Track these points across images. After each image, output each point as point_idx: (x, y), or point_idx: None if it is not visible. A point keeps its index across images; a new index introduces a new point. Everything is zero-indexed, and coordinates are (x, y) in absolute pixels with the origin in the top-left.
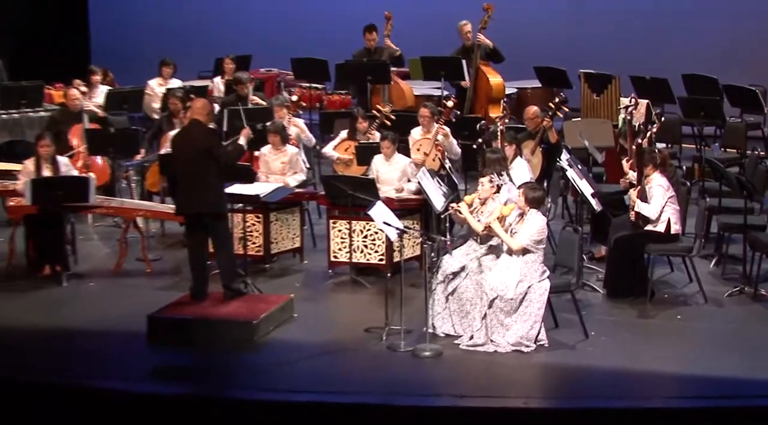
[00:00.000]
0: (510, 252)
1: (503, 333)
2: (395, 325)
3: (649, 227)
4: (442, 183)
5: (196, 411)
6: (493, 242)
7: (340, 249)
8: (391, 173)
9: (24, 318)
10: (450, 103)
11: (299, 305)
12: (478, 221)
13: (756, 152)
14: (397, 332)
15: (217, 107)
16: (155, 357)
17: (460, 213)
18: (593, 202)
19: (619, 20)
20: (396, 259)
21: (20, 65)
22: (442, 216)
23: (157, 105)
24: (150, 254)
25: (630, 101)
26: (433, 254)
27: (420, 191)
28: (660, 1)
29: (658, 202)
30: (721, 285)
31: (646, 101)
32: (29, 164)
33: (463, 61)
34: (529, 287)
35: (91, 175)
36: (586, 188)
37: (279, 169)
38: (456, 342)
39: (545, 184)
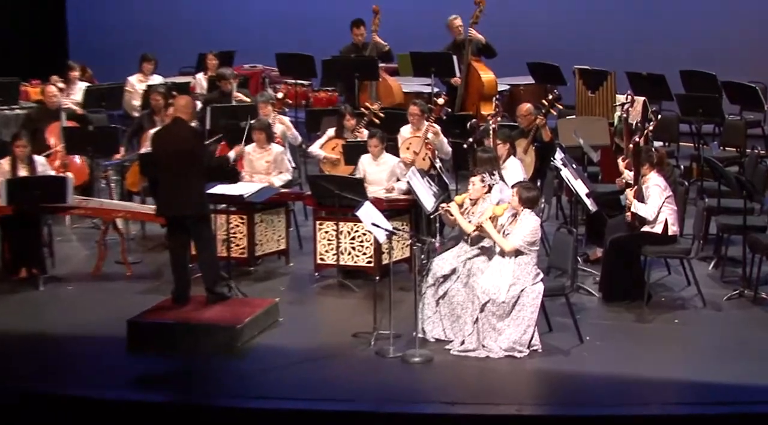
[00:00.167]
0: (502, 254)
1: (495, 338)
2: (384, 330)
3: (645, 229)
4: (432, 183)
5: (178, 419)
6: (485, 243)
7: (326, 251)
8: (378, 173)
9: None
10: (440, 101)
11: (285, 310)
12: (469, 221)
13: (756, 151)
14: (385, 337)
15: (199, 104)
16: (135, 364)
17: (451, 215)
18: (588, 202)
19: (615, 15)
20: (385, 261)
21: None
22: (432, 217)
23: (137, 102)
24: (130, 256)
25: (626, 98)
26: (423, 257)
27: (409, 191)
28: None
29: (655, 202)
30: (720, 288)
31: (643, 98)
32: (5, 163)
33: (454, 57)
34: (522, 290)
35: (69, 175)
36: (580, 188)
37: (264, 168)
38: (447, 347)
39: (539, 184)
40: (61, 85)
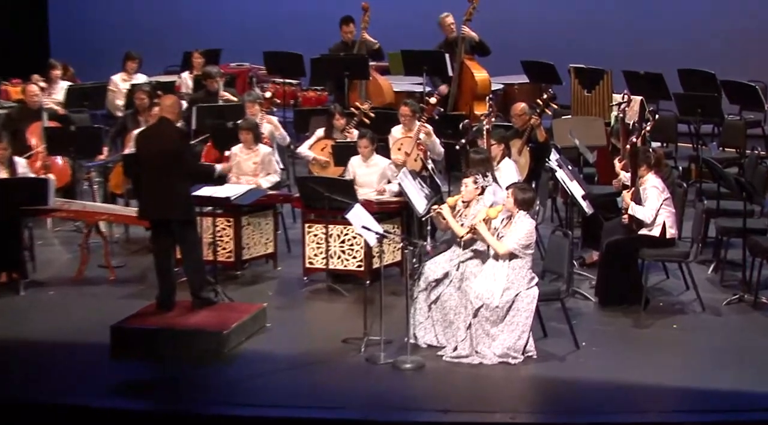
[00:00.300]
0: (496, 257)
1: (489, 344)
2: (374, 336)
3: (643, 231)
4: (424, 185)
5: None
6: (478, 246)
7: (316, 255)
8: (369, 175)
9: None
10: (433, 100)
11: (272, 315)
12: (461, 224)
13: (756, 152)
14: (376, 343)
15: (184, 104)
16: (119, 371)
17: (443, 217)
18: (584, 204)
19: (611, 12)
20: (375, 265)
21: None
22: (424, 220)
23: (121, 102)
24: (113, 260)
25: (623, 98)
26: (414, 260)
27: (401, 193)
28: None
29: (652, 204)
30: (719, 293)
31: (640, 98)
32: None
33: (447, 56)
34: (517, 294)
35: (51, 176)
36: (576, 190)
37: (251, 169)
38: (439, 353)
39: (533, 185)
40: (42, 84)
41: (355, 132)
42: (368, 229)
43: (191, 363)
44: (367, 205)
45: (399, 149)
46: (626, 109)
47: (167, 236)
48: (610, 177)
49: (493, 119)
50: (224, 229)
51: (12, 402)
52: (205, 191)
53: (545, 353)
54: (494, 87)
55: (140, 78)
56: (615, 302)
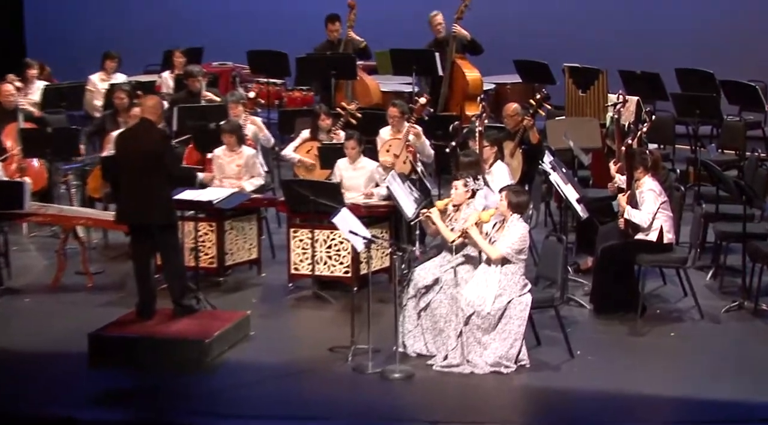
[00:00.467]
0: (488, 263)
1: (480, 353)
2: (362, 344)
3: (639, 236)
4: (413, 188)
5: None
6: (470, 251)
7: (301, 261)
8: (356, 178)
9: None
10: (422, 100)
11: (256, 323)
12: (451, 229)
13: (756, 154)
14: (364, 351)
15: (165, 104)
16: (97, 380)
17: (432, 222)
18: (579, 208)
19: (607, 9)
20: (363, 271)
21: None
22: (413, 224)
23: (99, 102)
24: (91, 266)
25: (618, 98)
26: (403, 266)
27: (389, 196)
28: None
29: (649, 208)
30: (718, 300)
31: (636, 98)
32: None
33: (437, 54)
34: (509, 301)
35: (27, 179)
36: (570, 194)
37: (234, 172)
38: (429, 362)
39: (526, 188)
40: (18, 84)
41: (342, 133)
42: (355, 234)
43: (172, 372)
44: (355, 209)
45: (387, 151)
46: (622, 109)
47: (147, 242)
48: (606, 180)
49: (486, 121)
50: (206, 234)
51: None
52: (187, 194)
53: (538, 362)
54: (486, 87)
55: (119, 78)
56: (611, 310)
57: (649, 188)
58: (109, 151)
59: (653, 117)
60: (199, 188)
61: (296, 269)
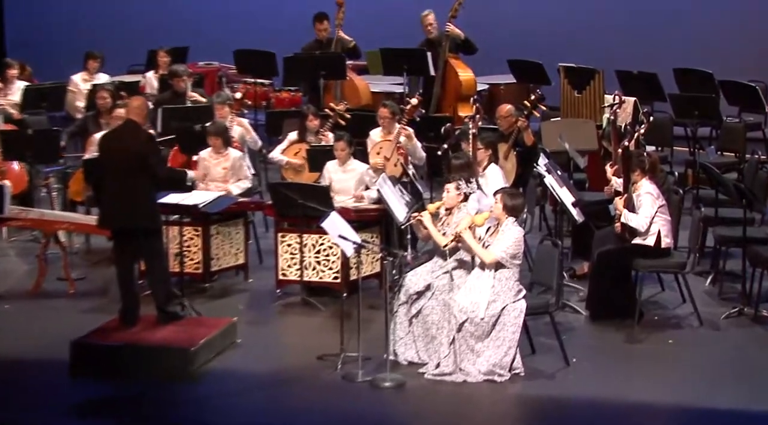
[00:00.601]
0: (482, 268)
1: (474, 361)
2: (352, 352)
3: (636, 241)
4: (404, 191)
5: None
6: (462, 256)
7: (289, 266)
8: (346, 181)
9: None
10: (414, 101)
11: (243, 330)
12: (443, 233)
13: (756, 156)
14: (354, 359)
15: (150, 105)
16: (79, 389)
17: (423, 226)
18: (574, 212)
19: (603, 8)
20: (353, 277)
21: None
22: (405, 228)
23: (81, 103)
24: (73, 272)
25: (615, 99)
26: (394, 272)
27: (380, 200)
28: None
29: (646, 212)
30: (717, 306)
31: (633, 99)
32: None
33: (428, 54)
34: (503, 308)
35: (6, 183)
36: (566, 197)
37: (220, 175)
38: (420, 370)
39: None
40: None
41: (330, 135)
42: (345, 238)
43: (157, 381)
44: (344, 213)
45: (378, 153)
46: (618, 111)
47: (131, 247)
48: (602, 183)
49: (479, 123)
50: (192, 238)
51: None
52: (172, 198)
53: (533, 370)
54: (479, 87)
55: (102, 78)
56: (607, 316)
57: (646, 192)
58: (91, 153)
59: (651, 118)
60: (190, 186)
61: (284, 274)
